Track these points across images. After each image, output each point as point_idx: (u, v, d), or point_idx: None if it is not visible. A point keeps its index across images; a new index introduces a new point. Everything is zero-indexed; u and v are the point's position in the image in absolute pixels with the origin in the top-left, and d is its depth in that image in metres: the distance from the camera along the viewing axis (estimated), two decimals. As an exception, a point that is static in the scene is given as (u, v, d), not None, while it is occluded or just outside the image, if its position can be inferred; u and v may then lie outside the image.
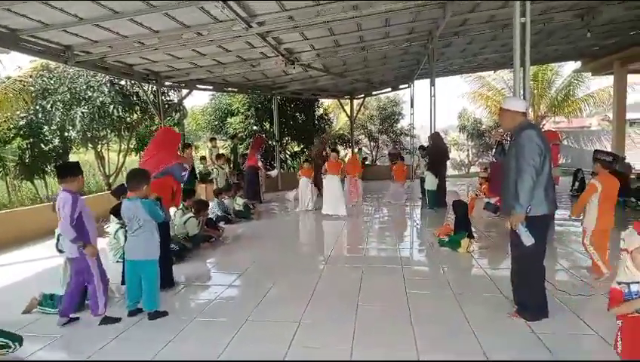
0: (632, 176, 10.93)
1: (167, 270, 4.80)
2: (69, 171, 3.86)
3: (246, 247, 7.01)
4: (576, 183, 11.56)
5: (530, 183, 3.38)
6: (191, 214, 6.77)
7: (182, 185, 5.50)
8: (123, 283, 4.82)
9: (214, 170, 11.25)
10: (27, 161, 12.24)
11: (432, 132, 10.52)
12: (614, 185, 4.75)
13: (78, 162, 4.15)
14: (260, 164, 11.98)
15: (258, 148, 11.99)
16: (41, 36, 6.90)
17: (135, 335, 3.66)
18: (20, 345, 3.20)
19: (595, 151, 5.02)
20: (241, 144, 14.95)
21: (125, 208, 4.07)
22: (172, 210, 6.24)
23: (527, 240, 3.44)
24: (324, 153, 14.85)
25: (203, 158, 13.20)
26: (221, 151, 13.87)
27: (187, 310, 4.23)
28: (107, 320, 3.83)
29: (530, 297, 3.66)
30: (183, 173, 5.05)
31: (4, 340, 3.22)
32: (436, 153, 10.00)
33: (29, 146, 12.28)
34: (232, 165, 12.35)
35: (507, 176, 3.63)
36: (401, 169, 11.33)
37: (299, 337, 3.50)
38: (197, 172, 11.52)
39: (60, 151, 13.10)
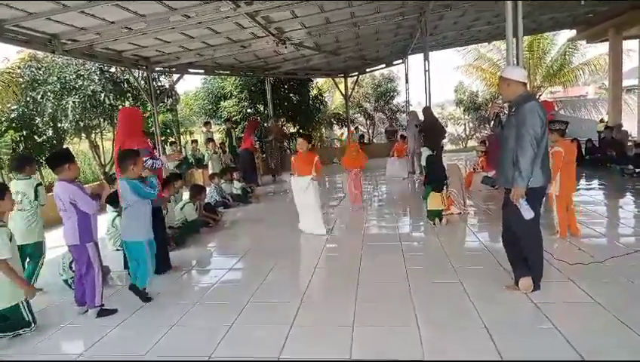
0: (629, 144, 10.92)
1: (161, 255, 4.83)
2: (58, 161, 3.78)
3: (245, 231, 7.02)
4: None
5: (532, 156, 3.34)
6: (187, 200, 6.76)
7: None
8: (125, 267, 4.84)
9: (206, 154, 11.19)
10: (21, 153, 12.15)
11: (424, 106, 10.51)
12: (573, 150, 5.33)
13: (66, 149, 4.11)
14: (256, 146, 11.98)
15: (253, 131, 11.96)
16: (26, 25, 6.73)
17: (138, 322, 3.68)
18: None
19: (550, 122, 5.23)
20: (235, 127, 14.84)
21: (120, 190, 4.15)
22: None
23: (528, 214, 3.43)
24: (284, 130, 13.77)
25: (194, 142, 13.15)
26: (216, 135, 13.78)
27: (189, 294, 4.25)
28: (104, 312, 3.81)
29: (539, 265, 3.67)
30: (145, 158, 4.63)
31: (30, 319, 3.50)
32: (431, 128, 9.96)
33: (22, 139, 12.19)
34: (226, 149, 12.28)
35: (505, 147, 3.59)
36: (401, 146, 11.62)
37: (300, 317, 3.52)
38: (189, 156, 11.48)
39: (54, 142, 13.02)
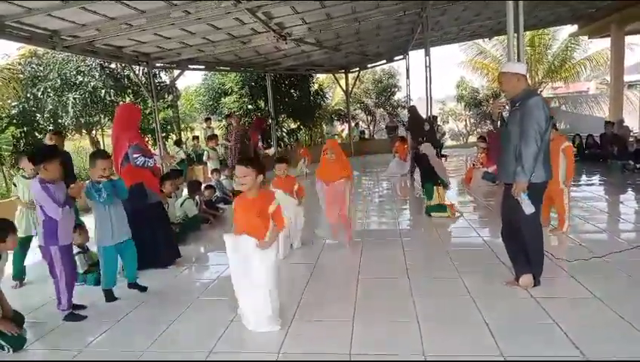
0: (630, 139, 10.90)
1: (167, 248, 4.92)
2: (35, 158, 3.68)
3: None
4: (574, 149, 11.52)
5: (536, 150, 3.33)
6: (186, 195, 6.78)
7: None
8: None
9: (206, 151, 11.18)
10: (22, 149, 12.17)
11: (410, 105, 10.59)
12: None
13: (46, 147, 4.01)
14: (260, 144, 11.99)
15: (258, 129, 11.97)
16: (27, 22, 6.71)
17: (138, 317, 3.70)
18: (15, 349, 3.22)
19: None
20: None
21: None
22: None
23: (529, 209, 3.42)
24: (247, 141, 10.68)
25: (195, 138, 13.17)
26: (217, 131, 13.78)
27: (189, 290, 4.26)
28: (71, 317, 3.71)
29: (539, 261, 3.67)
30: (135, 156, 4.58)
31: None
32: (415, 126, 9.94)
33: (22, 135, 12.20)
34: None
35: (508, 143, 3.57)
36: (402, 147, 11.65)
37: (301, 312, 3.53)
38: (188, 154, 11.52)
39: (55, 138, 13.00)
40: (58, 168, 3.67)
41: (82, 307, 3.91)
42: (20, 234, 4.26)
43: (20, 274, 4.68)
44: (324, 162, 5.26)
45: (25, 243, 4.68)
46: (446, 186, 6.55)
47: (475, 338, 2.95)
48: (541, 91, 20.47)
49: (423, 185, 6.63)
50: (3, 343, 3.20)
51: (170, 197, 6.36)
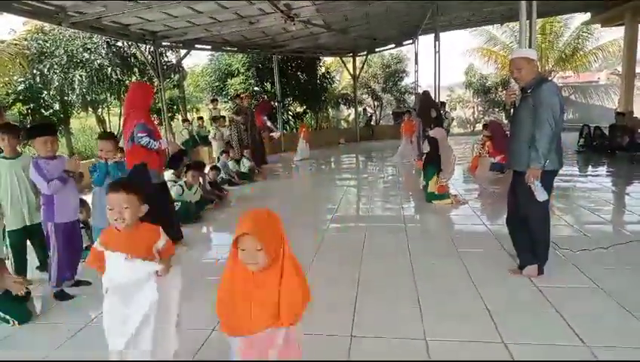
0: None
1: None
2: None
3: (250, 208, 7.03)
4: (582, 139, 11.41)
5: (551, 137, 3.29)
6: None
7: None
8: None
9: (212, 130, 11.17)
10: (28, 126, 12.21)
11: (423, 91, 10.40)
12: None
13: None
14: (268, 124, 11.99)
15: (264, 111, 11.91)
16: (33, -4, 6.70)
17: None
18: (21, 322, 3.27)
19: None
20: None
21: None
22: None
23: (543, 196, 3.39)
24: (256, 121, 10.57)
25: (200, 119, 13.14)
26: (223, 113, 13.74)
27: (194, 270, 4.29)
28: (59, 295, 3.72)
29: (545, 250, 3.66)
30: (140, 135, 4.53)
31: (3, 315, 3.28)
32: (425, 112, 9.84)
33: (29, 112, 12.22)
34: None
35: (518, 130, 3.53)
36: (409, 124, 11.29)
37: (303, 294, 3.54)
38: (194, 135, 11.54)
39: (61, 115, 13.04)
40: (44, 145, 3.62)
41: (88, 283, 3.96)
42: (17, 225, 3.94)
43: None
44: (239, 273, 1.98)
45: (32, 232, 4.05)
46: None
47: (477, 326, 2.95)
48: (551, 79, 20.19)
49: (424, 167, 6.64)
50: (8, 317, 3.26)
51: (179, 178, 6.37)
